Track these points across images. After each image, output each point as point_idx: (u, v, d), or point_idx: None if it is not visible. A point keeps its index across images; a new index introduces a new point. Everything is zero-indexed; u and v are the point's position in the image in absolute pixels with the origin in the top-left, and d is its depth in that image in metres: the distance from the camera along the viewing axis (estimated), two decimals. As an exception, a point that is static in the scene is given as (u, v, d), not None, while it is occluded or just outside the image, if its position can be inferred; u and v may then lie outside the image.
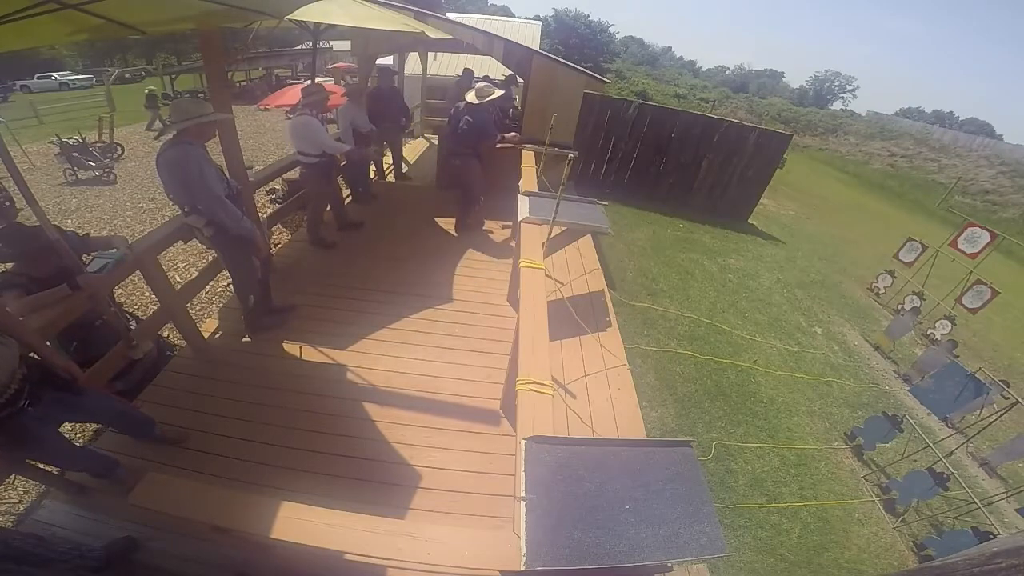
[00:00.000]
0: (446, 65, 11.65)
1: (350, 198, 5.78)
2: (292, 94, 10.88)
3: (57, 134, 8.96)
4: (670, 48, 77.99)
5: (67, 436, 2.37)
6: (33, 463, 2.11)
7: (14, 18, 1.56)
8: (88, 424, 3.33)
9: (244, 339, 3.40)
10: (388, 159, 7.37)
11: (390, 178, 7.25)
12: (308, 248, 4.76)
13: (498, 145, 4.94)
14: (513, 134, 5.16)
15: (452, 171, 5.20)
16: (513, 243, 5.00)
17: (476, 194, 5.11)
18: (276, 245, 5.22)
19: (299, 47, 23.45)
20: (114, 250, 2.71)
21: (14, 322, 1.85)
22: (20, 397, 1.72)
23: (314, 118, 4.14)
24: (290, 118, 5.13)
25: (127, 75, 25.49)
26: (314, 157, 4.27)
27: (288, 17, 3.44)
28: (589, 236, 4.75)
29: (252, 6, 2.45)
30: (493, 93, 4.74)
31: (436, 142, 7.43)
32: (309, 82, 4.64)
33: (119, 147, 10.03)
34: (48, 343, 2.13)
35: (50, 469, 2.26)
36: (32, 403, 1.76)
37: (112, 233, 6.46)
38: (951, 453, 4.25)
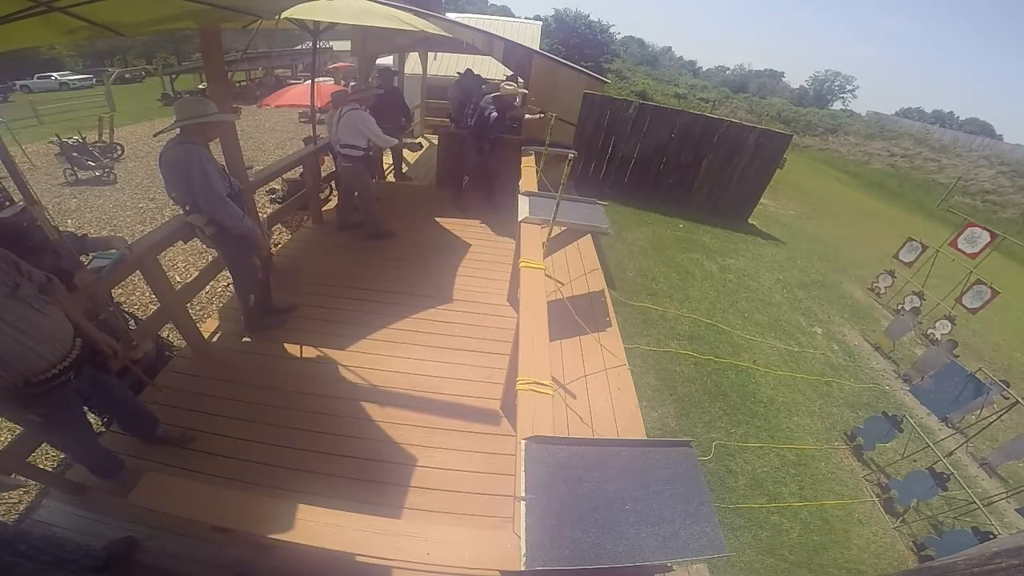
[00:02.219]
0: (446, 65, 11.64)
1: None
2: (292, 94, 10.86)
3: (57, 134, 8.96)
4: (670, 48, 78.06)
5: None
6: (32, 457, 2.12)
7: (2, 22, 1.56)
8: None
9: (244, 339, 3.39)
10: (388, 159, 7.38)
11: (390, 178, 7.25)
12: (308, 248, 4.76)
13: (528, 116, 5.58)
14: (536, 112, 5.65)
15: (482, 152, 5.64)
16: (513, 243, 5.01)
17: (498, 171, 5.70)
18: (276, 245, 5.22)
19: (299, 47, 23.45)
20: (113, 250, 2.70)
21: (62, 295, 1.90)
22: (72, 368, 1.79)
23: (366, 112, 4.35)
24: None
25: (127, 75, 25.50)
26: (361, 150, 4.42)
27: (287, 16, 3.44)
28: (589, 236, 4.75)
29: (239, 6, 2.44)
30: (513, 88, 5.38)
31: (436, 142, 7.43)
32: (310, 82, 4.67)
33: (119, 147, 10.04)
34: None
35: (51, 468, 2.26)
36: (77, 376, 1.84)
37: (112, 233, 6.46)
38: (951, 453, 4.25)
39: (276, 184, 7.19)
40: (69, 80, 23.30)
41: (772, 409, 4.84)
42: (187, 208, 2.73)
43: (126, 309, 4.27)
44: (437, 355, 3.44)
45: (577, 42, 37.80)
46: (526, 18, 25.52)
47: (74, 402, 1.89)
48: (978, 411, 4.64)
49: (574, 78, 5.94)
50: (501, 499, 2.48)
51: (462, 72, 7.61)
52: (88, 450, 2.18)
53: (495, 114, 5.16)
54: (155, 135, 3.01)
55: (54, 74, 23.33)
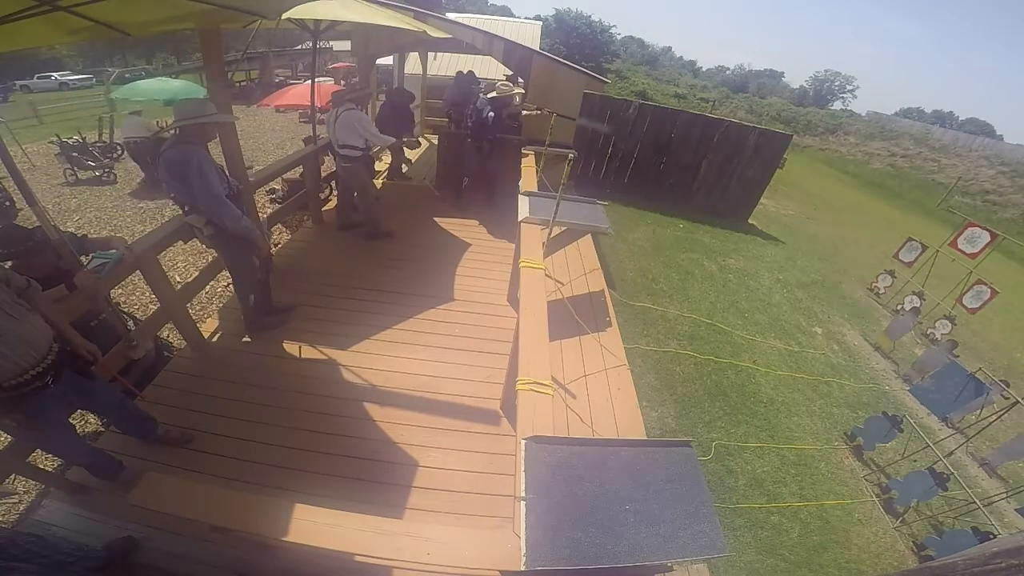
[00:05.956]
0: (446, 65, 11.65)
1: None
2: (292, 94, 10.86)
3: (57, 134, 8.95)
4: (670, 48, 78.25)
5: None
6: (32, 457, 2.12)
7: (5, 21, 1.56)
8: (87, 424, 3.34)
9: (244, 339, 3.39)
10: (387, 158, 7.36)
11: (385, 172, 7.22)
12: (308, 248, 4.76)
13: (526, 112, 5.63)
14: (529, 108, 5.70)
15: (482, 152, 5.62)
16: (513, 243, 5.01)
17: (498, 172, 5.75)
18: (276, 245, 5.22)
19: (299, 47, 23.45)
20: (113, 250, 2.71)
21: (42, 301, 1.89)
22: (48, 373, 1.78)
23: (362, 112, 4.36)
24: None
25: (127, 75, 25.44)
26: (359, 150, 4.41)
27: (288, 16, 3.44)
28: (589, 236, 4.75)
29: (242, 6, 2.45)
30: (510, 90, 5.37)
31: (436, 142, 7.43)
32: (309, 83, 4.69)
33: (119, 147, 10.02)
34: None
35: (51, 468, 2.25)
36: (54, 381, 1.82)
37: (112, 233, 6.46)
38: (951, 453, 4.25)
39: (276, 184, 7.19)
40: (69, 80, 23.29)
41: (772, 409, 4.84)
42: (186, 208, 2.73)
43: (125, 309, 4.27)
44: (437, 355, 3.44)
45: (577, 42, 37.75)
46: (526, 18, 25.53)
47: (52, 407, 1.86)
48: (978, 411, 4.64)
49: (574, 78, 5.94)
50: (501, 499, 2.48)
51: (463, 73, 7.64)
52: (74, 453, 2.17)
53: (492, 114, 5.19)
54: (153, 135, 3.01)
55: (54, 74, 23.33)
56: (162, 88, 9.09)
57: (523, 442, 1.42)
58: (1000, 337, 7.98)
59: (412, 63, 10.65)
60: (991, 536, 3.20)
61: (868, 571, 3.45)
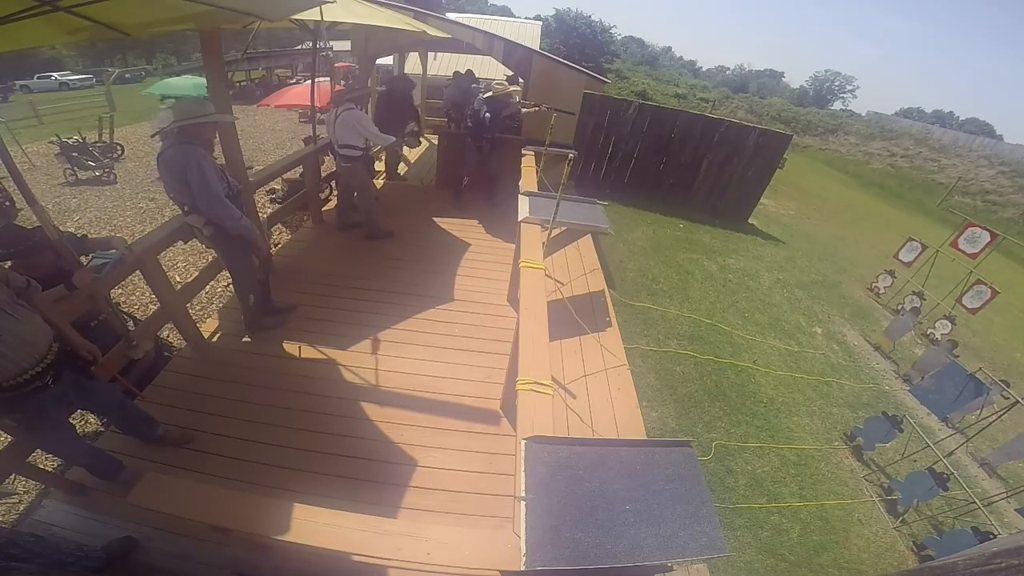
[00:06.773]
0: (446, 65, 11.64)
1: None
2: (292, 94, 10.86)
3: (57, 134, 8.96)
4: (670, 48, 78.25)
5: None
6: (32, 457, 2.12)
7: (5, 21, 1.55)
8: (87, 424, 3.34)
9: (244, 339, 3.39)
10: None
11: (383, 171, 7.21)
12: (308, 248, 4.76)
13: (525, 110, 5.64)
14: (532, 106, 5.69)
15: (481, 152, 5.63)
16: (513, 243, 5.01)
17: (498, 172, 5.73)
18: (276, 245, 5.21)
19: (299, 47, 23.42)
20: (113, 251, 2.71)
21: (42, 301, 1.89)
22: (48, 372, 1.77)
23: (362, 112, 4.35)
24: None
25: (127, 75, 25.52)
26: (359, 150, 4.40)
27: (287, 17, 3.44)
28: (589, 236, 4.75)
29: (241, 8, 2.45)
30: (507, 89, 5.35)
31: (436, 142, 7.43)
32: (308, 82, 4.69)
33: (119, 147, 10.03)
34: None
35: (51, 468, 2.25)
36: (54, 381, 1.81)
37: (112, 233, 6.46)
38: (951, 453, 4.25)
39: (276, 184, 7.19)
40: (69, 80, 23.31)
41: (772, 409, 4.84)
42: (186, 208, 2.73)
43: (125, 309, 4.27)
44: (437, 355, 3.44)
45: (578, 42, 37.70)
46: (526, 18, 25.53)
47: (52, 407, 1.86)
48: (978, 411, 4.63)
49: (574, 78, 5.93)
50: (501, 499, 2.48)
51: (461, 72, 7.63)
52: (74, 453, 2.17)
53: (488, 114, 5.20)
54: (153, 135, 3.02)
55: (54, 74, 23.35)
56: (195, 84, 10.57)
57: (523, 442, 1.42)
58: (1000, 337, 7.99)
59: (412, 63, 10.65)
60: (991, 536, 3.20)
61: (868, 571, 3.45)
